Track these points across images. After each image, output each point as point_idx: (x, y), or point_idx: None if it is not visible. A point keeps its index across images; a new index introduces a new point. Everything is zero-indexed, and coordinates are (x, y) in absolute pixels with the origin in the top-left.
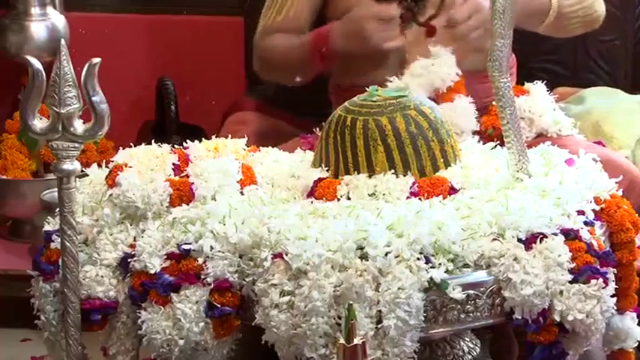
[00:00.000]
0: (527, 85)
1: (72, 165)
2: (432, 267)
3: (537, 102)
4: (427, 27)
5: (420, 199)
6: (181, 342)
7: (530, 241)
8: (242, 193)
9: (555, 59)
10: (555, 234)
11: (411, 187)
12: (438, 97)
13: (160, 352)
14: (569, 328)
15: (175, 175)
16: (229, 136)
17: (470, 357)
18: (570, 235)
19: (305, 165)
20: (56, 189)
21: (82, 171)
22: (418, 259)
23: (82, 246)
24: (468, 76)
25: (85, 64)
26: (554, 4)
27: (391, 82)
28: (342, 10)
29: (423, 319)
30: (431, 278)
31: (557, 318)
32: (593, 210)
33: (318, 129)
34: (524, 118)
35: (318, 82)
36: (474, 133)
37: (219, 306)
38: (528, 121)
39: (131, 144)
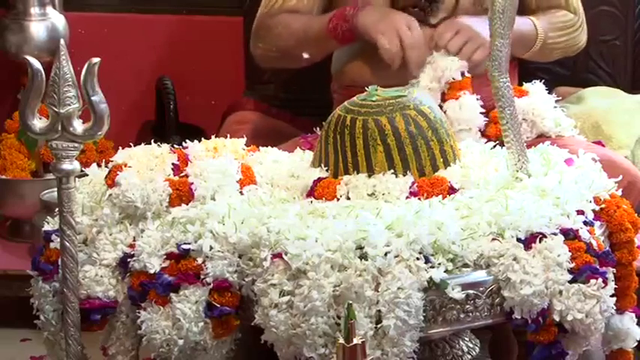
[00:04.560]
0: (526, 86)
1: (71, 165)
2: (432, 267)
3: (539, 104)
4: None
5: (419, 198)
6: (181, 342)
7: (529, 240)
8: (241, 193)
9: (555, 59)
10: (555, 234)
11: (410, 187)
12: (445, 96)
13: (160, 352)
14: (568, 327)
15: (175, 175)
16: (229, 136)
17: (469, 357)
18: (570, 235)
19: (305, 165)
20: (56, 189)
21: (82, 171)
22: (417, 258)
23: (82, 246)
24: (477, 80)
25: (84, 64)
26: (541, 36)
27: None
28: None
29: (423, 318)
30: (430, 278)
31: (556, 318)
32: (593, 210)
33: (318, 129)
34: (526, 120)
35: (318, 82)
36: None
37: (218, 306)
38: (531, 123)
39: (131, 144)
